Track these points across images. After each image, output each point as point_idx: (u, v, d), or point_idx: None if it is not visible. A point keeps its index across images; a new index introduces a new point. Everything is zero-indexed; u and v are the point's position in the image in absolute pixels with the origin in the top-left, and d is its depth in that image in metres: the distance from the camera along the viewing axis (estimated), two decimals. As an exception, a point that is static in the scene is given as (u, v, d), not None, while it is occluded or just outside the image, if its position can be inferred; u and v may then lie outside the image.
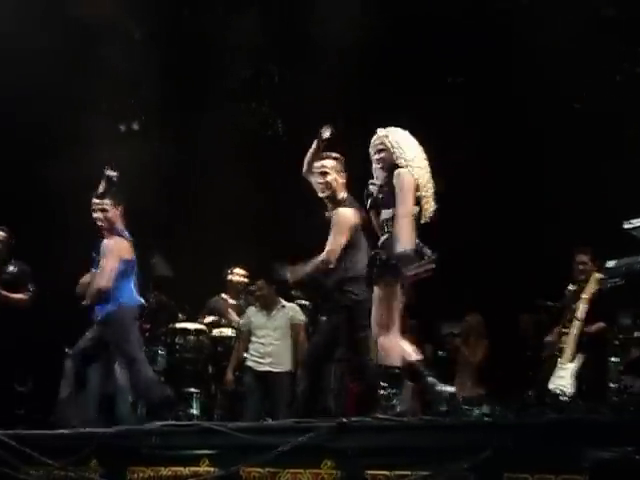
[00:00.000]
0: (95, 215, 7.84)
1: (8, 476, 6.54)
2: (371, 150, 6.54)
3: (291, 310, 9.59)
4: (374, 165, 6.49)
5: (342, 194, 7.18)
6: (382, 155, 6.43)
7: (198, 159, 9.68)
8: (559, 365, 8.20)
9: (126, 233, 7.89)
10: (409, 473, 5.22)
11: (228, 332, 9.92)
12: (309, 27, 9.99)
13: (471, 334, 10.10)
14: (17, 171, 10.32)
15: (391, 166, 6.36)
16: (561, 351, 8.28)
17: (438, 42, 9.87)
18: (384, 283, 6.23)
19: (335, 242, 7.01)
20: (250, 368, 9.48)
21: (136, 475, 6.08)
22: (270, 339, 9.47)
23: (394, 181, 6.27)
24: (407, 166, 6.30)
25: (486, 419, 6.11)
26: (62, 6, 9.81)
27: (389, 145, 6.40)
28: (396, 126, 6.51)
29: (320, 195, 7.20)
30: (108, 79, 9.75)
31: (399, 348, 6.30)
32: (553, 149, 9.97)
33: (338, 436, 5.57)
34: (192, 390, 9.30)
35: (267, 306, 9.53)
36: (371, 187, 6.52)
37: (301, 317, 9.60)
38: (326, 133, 7.14)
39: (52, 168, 9.84)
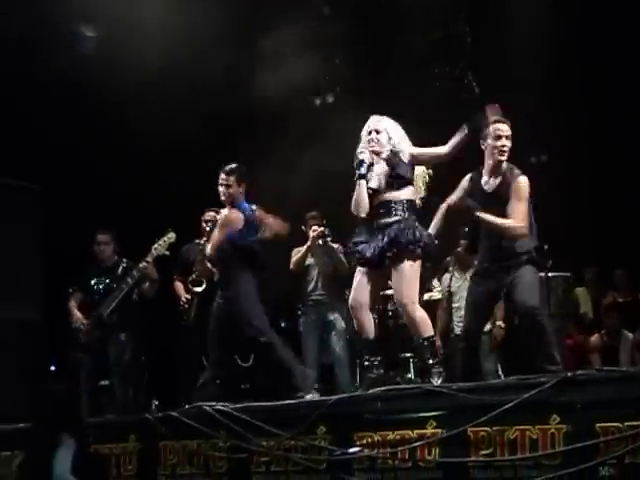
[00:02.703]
0: (220, 189, 8.10)
1: (241, 448, 6.77)
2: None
3: None
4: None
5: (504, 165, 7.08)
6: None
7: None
8: None
9: (246, 205, 8.14)
10: (641, 423, 5.13)
11: (438, 296, 9.91)
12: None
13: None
14: (215, 152, 10.58)
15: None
16: None
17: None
18: (416, 258, 6.81)
19: (522, 211, 6.91)
20: (455, 332, 9.47)
21: (364, 440, 6.18)
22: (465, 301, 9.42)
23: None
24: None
25: None
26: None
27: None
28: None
29: (499, 159, 7.01)
30: (301, 54, 9.84)
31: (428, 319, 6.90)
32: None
33: (564, 391, 5.52)
34: (407, 355, 9.33)
35: (462, 268, 9.49)
36: (362, 155, 6.90)
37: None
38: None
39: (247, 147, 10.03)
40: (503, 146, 6.97)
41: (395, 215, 6.91)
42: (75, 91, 10.32)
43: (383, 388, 6.52)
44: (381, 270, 6.96)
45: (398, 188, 6.95)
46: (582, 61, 9.84)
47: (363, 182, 6.90)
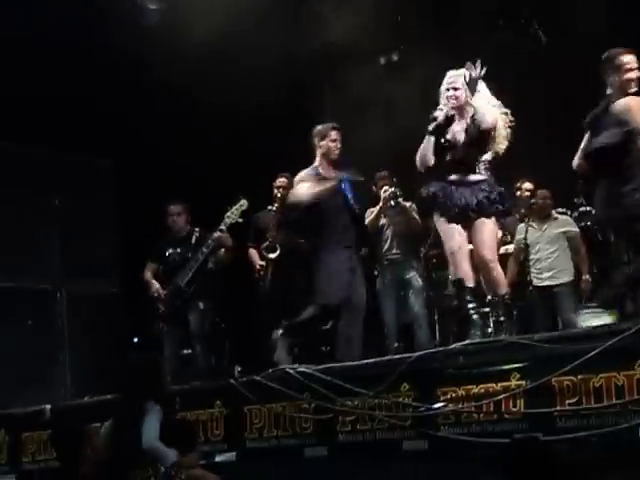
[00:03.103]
0: (331, 145, 8.00)
1: (325, 409, 6.83)
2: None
3: (564, 222, 9.44)
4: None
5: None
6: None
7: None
8: None
9: None
10: None
11: (511, 249, 9.86)
12: None
13: None
14: (285, 118, 10.59)
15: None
16: None
17: None
18: (498, 216, 7.04)
19: None
20: (533, 284, 9.44)
21: (449, 395, 6.19)
22: (546, 252, 9.39)
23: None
24: None
25: None
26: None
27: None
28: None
29: (633, 90, 6.77)
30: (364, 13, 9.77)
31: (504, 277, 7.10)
32: None
33: (647, 336, 5.48)
34: (486, 310, 9.27)
35: (541, 219, 9.42)
36: (437, 112, 6.95)
37: (574, 228, 9.44)
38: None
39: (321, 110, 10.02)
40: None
41: (478, 173, 6.94)
42: (140, 65, 10.37)
43: (464, 342, 6.52)
44: (464, 226, 6.99)
45: (478, 146, 6.94)
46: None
47: (431, 138, 6.93)
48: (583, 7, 9.64)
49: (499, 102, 7.09)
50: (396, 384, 6.50)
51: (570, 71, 9.71)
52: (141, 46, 10.08)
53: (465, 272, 7.01)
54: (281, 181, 9.17)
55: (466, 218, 6.94)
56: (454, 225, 6.98)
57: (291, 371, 7.07)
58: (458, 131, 6.97)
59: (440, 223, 7.06)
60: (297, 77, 10.59)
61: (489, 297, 7.10)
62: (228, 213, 9.02)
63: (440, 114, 6.95)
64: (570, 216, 9.60)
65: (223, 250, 9.17)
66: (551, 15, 10.27)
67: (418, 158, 7.07)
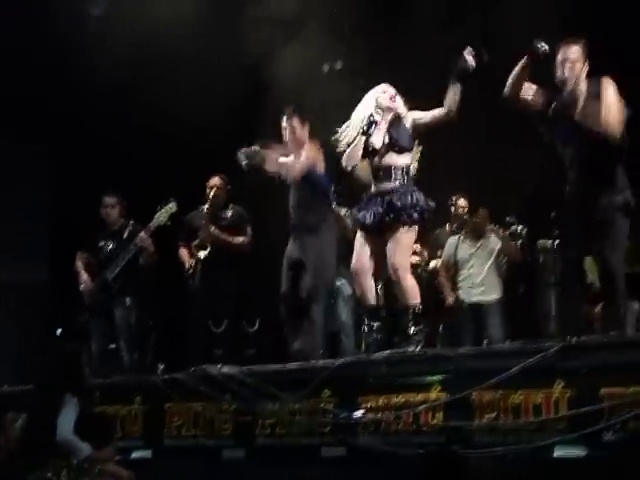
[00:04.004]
0: (284, 134, 7.99)
1: (246, 411, 6.81)
2: None
3: (496, 241, 9.52)
4: None
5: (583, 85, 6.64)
6: None
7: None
8: None
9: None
10: (646, 389, 5.14)
11: (437, 265, 9.88)
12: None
13: None
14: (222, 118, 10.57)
15: None
16: None
17: None
18: (412, 223, 6.89)
19: None
20: (461, 299, 9.50)
21: (369, 404, 6.21)
22: (478, 269, 9.48)
23: None
24: None
25: None
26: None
27: None
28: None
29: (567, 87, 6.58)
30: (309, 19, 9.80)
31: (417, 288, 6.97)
32: None
33: (568, 356, 5.54)
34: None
35: (475, 236, 9.50)
36: (377, 116, 6.97)
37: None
38: (543, 47, 6.52)
39: (259, 111, 10.00)
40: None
41: (395, 180, 6.98)
42: (81, 56, 10.28)
43: (388, 352, 6.54)
44: (381, 236, 6.98)
45: (398, 153, 6.99)
46: (594, 31, 9.75)
47: (362, 138, 6.97)
48: (519, 25, 9.73)
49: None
50: (318, 390, 6.52)
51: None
52: (82, 34, 10.01)
53: (361, 291, 7.11)
54: (214, 181, 9.12)
55: (378, 228, 6.94)
56: (360, 241, 7.06)
57: (213, 371, 7.03)
58: (378, 138, 7.00)
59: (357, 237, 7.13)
60: (237, 78, 10.56)
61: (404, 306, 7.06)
62: (156, 214, 9.00)
63: (378, 118, 6.98)
64: (502, 234, 9.66)
65: (145, 254, 9.12)
66: (493, 33, 10.36)
67: (344, 157, 7.12)
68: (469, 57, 6.92)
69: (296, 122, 7.96)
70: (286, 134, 7.99)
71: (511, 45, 10.05)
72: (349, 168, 7.14)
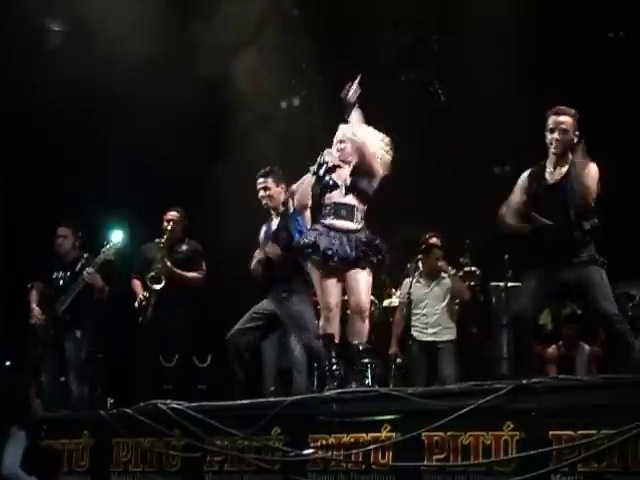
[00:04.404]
0: (260, 194, 8.02)
1: (194, 447, 6.74)
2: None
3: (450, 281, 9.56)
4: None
5: (570, 156, 6.87)
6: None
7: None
8: None
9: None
10: (595, 432, 5.15)
11: (395, 302, 9.91)
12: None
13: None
14: (186, 154, 10.57)
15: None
16: None
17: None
18: (375, 267, 7.02)
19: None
20: (415, 338, 9.52)
21: (319, 442, 6.17)
22: (433, 309, 9.51)
23: None
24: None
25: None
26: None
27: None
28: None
29: (554, 152, 6.84)
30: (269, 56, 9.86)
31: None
32: None
33: (518, 397, 5.54)
34: (366, 361, 9.31)
35: (430, 276, 9.53)
36: (328, 157, 6.98)
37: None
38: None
39: (220, 150, 10.02)
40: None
41: (356, 222, 7.02)
42: (35, 87, 10.27)
43: (338, 390, 6.52)
44: (342, 275, 6.99)
45: (357, 196, 7.03)
46: (550, 71, 9.89)
47: (312, 178, 7.02)
48: (485, 64, 9.85)
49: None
50: (268, 427, 6.46)
51: (466, 130, 9.91)
52: (35, 66, 10.00)
53: (336, 329, 7.04)
54: (172, 214, 9.11)
55: (344, 268, 6.95)
56: (332, 279, 6.98)
57: (163, 406, 6.97)
58: (342, 178, 7.04)
59: (316, 273, 7.00)
60: (194, 113, 10.58)
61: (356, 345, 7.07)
62: (103, 249, 8.99)
63: (330, 160, 7.00)
64: (452, 274, 9.68)
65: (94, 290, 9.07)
66: (453, 71, 10.49)
67: (298, 196, 7.17)
68: (352, 88, 7.08)
69: (270, 182, 8.01)
70: (260, 193, 8.01)
71: (467, 84, 10.31)
72: (297, 206, 7.30)
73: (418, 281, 9.51)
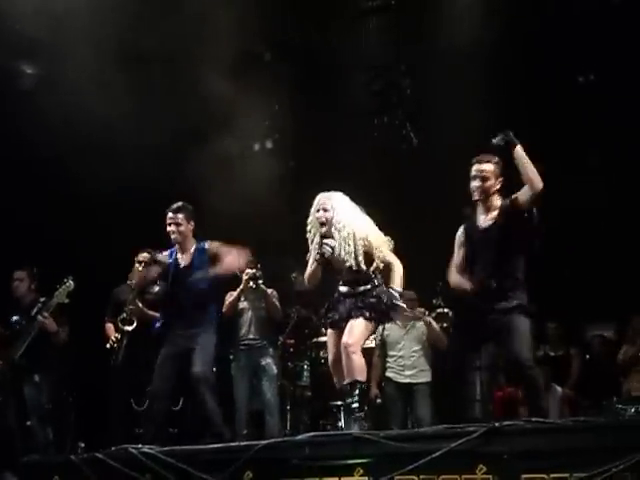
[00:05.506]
0: (169, 229, 8.12)
1: (166, 492, 6.67)
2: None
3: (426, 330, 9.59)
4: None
5: (497, 201, 7.04)
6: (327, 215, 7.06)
7: (331, 175, 9.77)
8: None
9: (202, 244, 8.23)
10: (567, 475, 5.15)
11: (372, 344, 9.91)
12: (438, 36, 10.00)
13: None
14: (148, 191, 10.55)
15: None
16: None
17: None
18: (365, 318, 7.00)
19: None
20: (391, 380, 9.54)
21: (290, 487, 6.13)
22: (409, 351, 9.53)
23: None
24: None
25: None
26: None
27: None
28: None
29: (476, 198, 7.02)
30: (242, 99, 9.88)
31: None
32: None
33: (491, 440, 5.54)
34: (339, 403, 9.30)
35: (408, 321, 9.56)
36: (331, 242, 7.04)
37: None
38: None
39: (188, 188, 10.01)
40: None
41: (364, 284, 7.11)
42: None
43: (311, 434, 6.49)
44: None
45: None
46: (526, 111, 9.98)
47: (318, 264, 7.16)
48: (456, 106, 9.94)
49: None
50: (240, 472, 6.39)
51: (439, 173, 9.97)
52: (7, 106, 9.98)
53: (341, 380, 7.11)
54: (143, 256, 9.07)
55: (340, 325, 7.08)
56: (332, 341, 7.19)
57: (134, 451, 6.89)
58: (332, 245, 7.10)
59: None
60: (167, 153, 10.58)
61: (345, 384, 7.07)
62: (55, 293, 8.96)
63: (335, 245, 7.04)
64: (428, 323, 9.68)
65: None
66: (424, 114, 10.56)
67: (307, 278, 7.32)
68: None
69: (181, 218, 8.07)
70: (171, 228, 8.10)
71: (438, 128, 10.38)
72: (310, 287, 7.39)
73: (395, 323, 9.53)
